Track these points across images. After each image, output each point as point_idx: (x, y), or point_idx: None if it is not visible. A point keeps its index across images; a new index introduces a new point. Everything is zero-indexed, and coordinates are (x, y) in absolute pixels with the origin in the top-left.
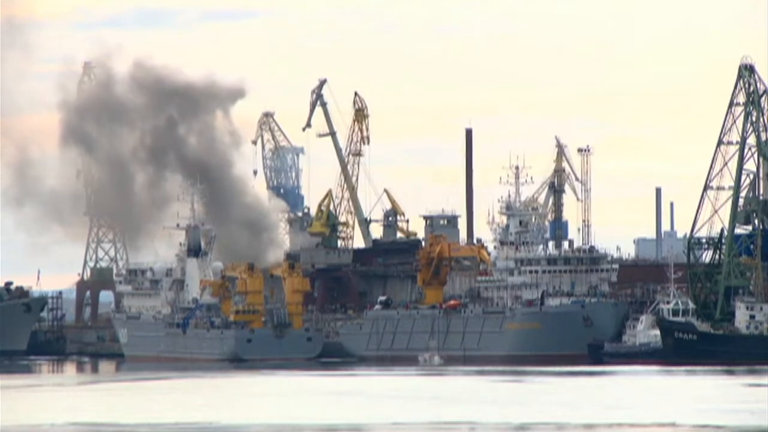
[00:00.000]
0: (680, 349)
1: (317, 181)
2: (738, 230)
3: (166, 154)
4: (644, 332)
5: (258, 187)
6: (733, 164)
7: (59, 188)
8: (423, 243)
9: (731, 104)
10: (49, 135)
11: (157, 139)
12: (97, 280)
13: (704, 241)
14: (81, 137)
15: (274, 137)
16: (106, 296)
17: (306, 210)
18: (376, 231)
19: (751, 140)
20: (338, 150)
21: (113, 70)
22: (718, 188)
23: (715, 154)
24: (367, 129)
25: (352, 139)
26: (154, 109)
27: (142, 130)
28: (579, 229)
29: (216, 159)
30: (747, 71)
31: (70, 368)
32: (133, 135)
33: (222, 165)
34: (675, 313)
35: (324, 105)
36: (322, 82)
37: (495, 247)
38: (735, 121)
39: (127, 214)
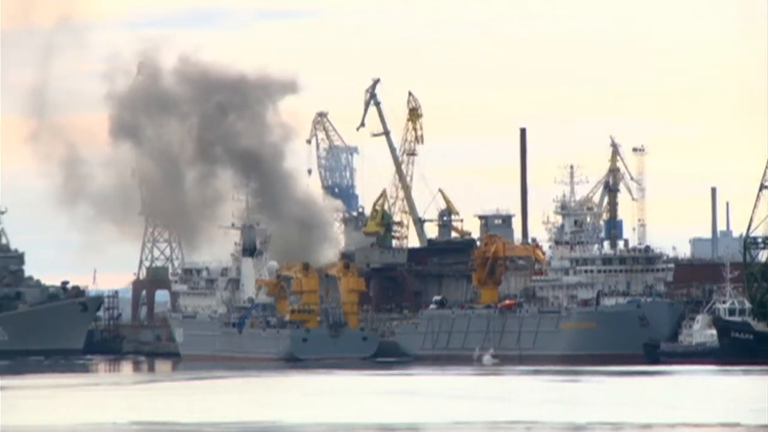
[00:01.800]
0: (736, 349)
1: (371, 180)
2: None
3: (216, 147)
4: (700, 332)
5: (312, 187)
6: None
7: (113, 187)
8: (478, 242)
9: None
10: (101, 134)
11: (207, 132)
12: (153, 280)
13: (760, 240)
14: (130, 131)
15: (328, 137)
16: (162, 295)
17: (360, 209)
18: (431, 230)
19: None
20: (392, 149)
21: (162, 65)
22: None
23: None
24: (421, 128)
25: (406, 138)
26: (203, 102)
27: (191, 123)
28: (634, 229)
29: (267, 151)
30: None
31: (126, 367)
32: (182, 128)
33: (273, 157)
34: (731, 312)
35: (378, 104)
36: (376, 82)
37: (550, 247)
38: None
39: (181, 214)
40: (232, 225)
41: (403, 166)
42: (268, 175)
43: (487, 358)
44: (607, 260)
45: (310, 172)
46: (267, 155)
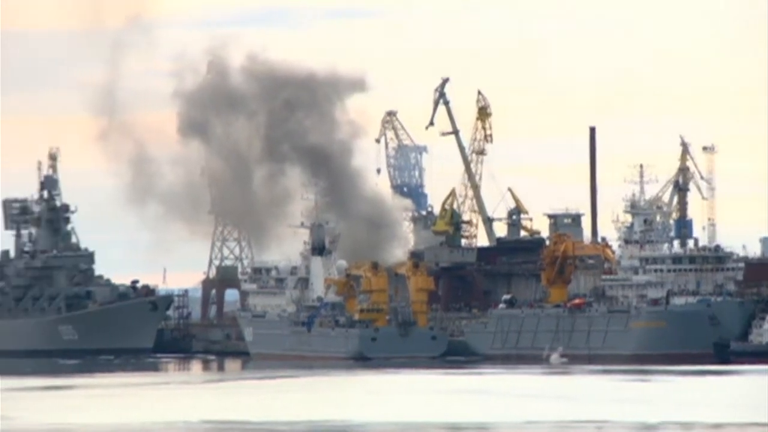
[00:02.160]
0: None
1: (441, 179)
2: None
3: (284, 144)
4: None
5: (381, 186)
6: None
7: (182, 186)
8: (547, 241)
9: None
10: (169, 132)
11: (274, 129)
12: (222, 279)
13: None
14: (199, 128)
15: (397, 136)
16: (231, 294)
17: (430, 208)
18: (500, 229)
19: None
20: (461, 148)
21: (230, 63)
22: None
23: None
24: (490, 127)
25: (475, 137)
26: (270, 99)
27: (259, 121)
28: (704, 228)
29: (335, 148)
30: None
31: (195, 366)
32: (251, 126)
33: (342, 154)
34: None
35: (447, 103)
36: (445, 81)
37: (619, 246)
38: None
39: (250, 213)
40: (302, 224)
41: (472, 165)
42: (336, 173)
43: (554, 357)
44: (677, 259)
45: (379, 171)
46: (335, 152)
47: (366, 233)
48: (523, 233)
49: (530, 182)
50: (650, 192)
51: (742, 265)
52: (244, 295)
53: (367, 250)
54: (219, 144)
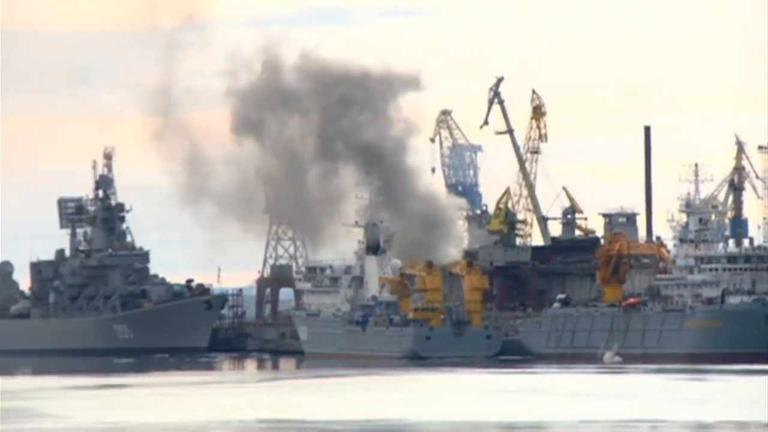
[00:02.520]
0: None
1: (495, 178)
2: None
3: (337, 142)
4: None
5: (436, 185)
6: None
7: (236, 185)
8: (602, 241)
9: None
10: (224, 132)
11: (328, 127)
12: (277, 278)
13: None
14: (252, 127)
15: (452, 135)
16: (286, 293)
17: (484, 207)
18: (555, 229)
19: None
20: (516, 147)
21: (284, 61)
22: None
23: None
24: (545, 126)
25: (529, 136)
26: (324, 97)
27: (312, 118)
28: (759, 227)
29: (389, 146)
30: None
31: (250, 365)
32: (304, 124)
33: (396, 152)
34: None
35: (501, 102)
36: (500, 80)
37: (674, 245)
38: None
39: (304, 211)
40: (356, 223)
41: (527, 164)
42: (390, 171)
43: (608, 355)
44: (732, 258)
45: (433, 170)
46: (389, 150)
47: (420, 232)
48: (577, 232)
49: (585, 181)
50: (705, 191)
51: None
52: (298, 294)
53: (422, 249)
54: (273, 142)
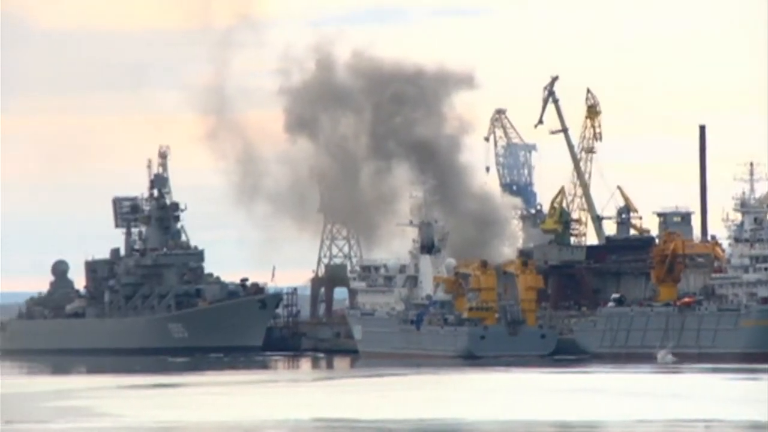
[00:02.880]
0: None
1: (550, 177)
2: None
3: (390, 140)
4: None
5: (490, 184)
6: None
7: (290, 184)
8: (657, 240)
9: None
10: (277, 131)
11: (381, 125)
12: (331, 277)
13: None
14: (305, 125)
15: (506, 134)
16: (340, 293)
17: (539, 207)
18: (610, 228)
19: None
20: (570, 146)
21: (337, 59)
22: None
23: None
24: (600, 125)
25: (584, 135)
26: (377, 94)
27: (365, 117)
28: None
29: (443, 143)
30: None
31: (305, 364)
32: (357, 122)
33: (449, 149)
34: None
35: (556, 102)
36: (554, 79)
37: (729, 245)
38: None
39: (358, 211)
40: (410, 222)
41: (582, 164)
42: (444, 169)
43: (661, 354)
44: None
45: (488, 169)
46: (443, 147)
47: (475, 231)
48: (632, 232)
49: (640, 180)
50: (760, 190)
51: None
52: (352, 293)
53: (476, 248)
54: (326, 141)
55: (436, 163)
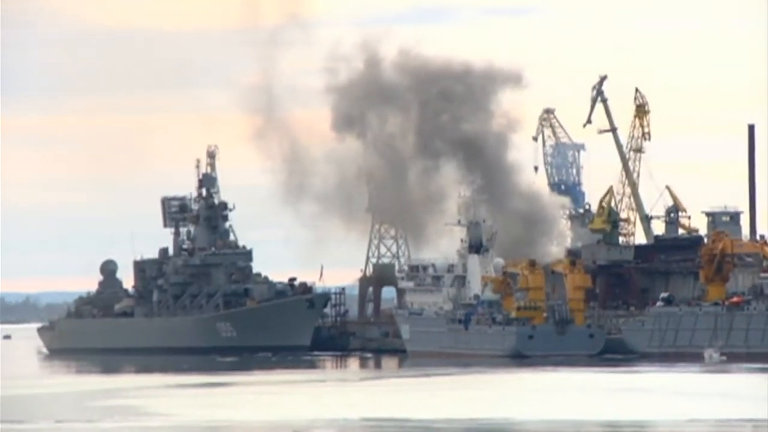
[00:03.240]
0: None
1: (598, 177)
2: None
3: (438, 138)
4: None
5: (538, 184)
6: None
7: (338, 183)
8: (705, 239)
9: None
10: (324, 130)
11: (428, 122)
12: (379, 277)
13: None
14: (353, 122)
15: (554, 133)
16: (388, 292)
17: (587, 206)
18: (658, 227)
19: None
20: (619, 146)
21: (384, 57)
22: None
23: None
24: (648, 125)
25: (633, 135)
26: (425, 92)
27: (412, 115)
28: None
29: (491, 141)
30: None
31: (353, 364)
32: (405, 120)
33: (497, 147)
34: None
35: (604, 101)
36: (603, 78)
37: None
38: None
39: (406, 210)
40: (458, 222)
41: (630, 163)
42: (491, 167)
43: (708, 353)
44: None
45: (536, 169)
46: (490, 145)
47: (523, 230)
48: (681, 231)
49: (688, 180)
50: None
51: None
52: (400, 292)
53: (524, 247)
54: (374, 139)
55: (483, 160)
